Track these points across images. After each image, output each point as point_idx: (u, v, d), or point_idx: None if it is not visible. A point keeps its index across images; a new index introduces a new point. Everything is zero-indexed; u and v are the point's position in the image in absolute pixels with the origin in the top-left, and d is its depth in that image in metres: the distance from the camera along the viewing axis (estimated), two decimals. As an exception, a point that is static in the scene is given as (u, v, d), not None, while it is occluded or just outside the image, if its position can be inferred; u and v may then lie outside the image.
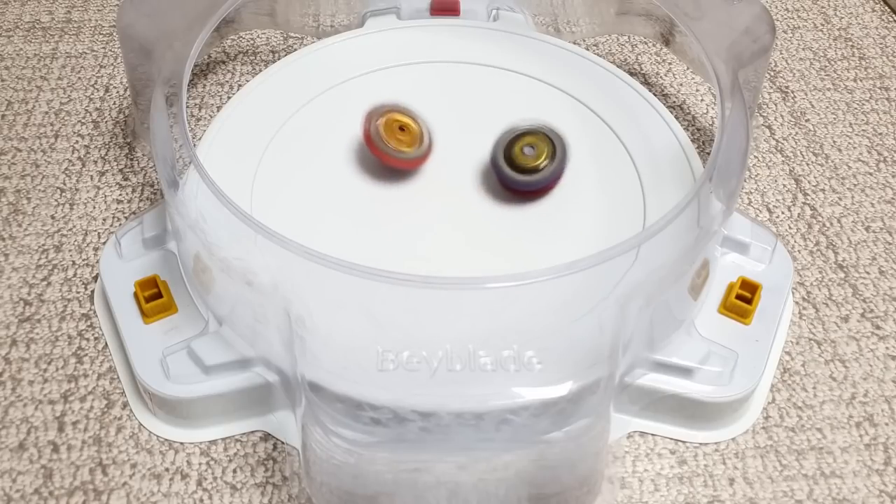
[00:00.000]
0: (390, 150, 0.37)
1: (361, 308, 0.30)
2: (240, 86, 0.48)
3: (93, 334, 0.36)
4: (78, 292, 0.38)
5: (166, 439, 0.33)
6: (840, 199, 0.43)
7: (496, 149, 0.37)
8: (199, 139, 0.41)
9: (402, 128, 0.38)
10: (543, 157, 0.37)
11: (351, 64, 0.44)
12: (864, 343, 0.37)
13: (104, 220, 0.41)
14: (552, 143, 0.37)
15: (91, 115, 0.46)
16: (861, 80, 0.50)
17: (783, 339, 0.37)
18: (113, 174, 0.43)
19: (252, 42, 0.51)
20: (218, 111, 0.43)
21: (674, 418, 0.33)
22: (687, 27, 0.41)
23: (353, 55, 0.45)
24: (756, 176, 0.44)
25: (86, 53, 0.51)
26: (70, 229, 0.41)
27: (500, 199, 0.38)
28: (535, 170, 0.37)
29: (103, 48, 0.51)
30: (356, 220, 0.37)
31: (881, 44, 0.52)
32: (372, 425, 0.28)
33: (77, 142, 0.45)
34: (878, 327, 0.38)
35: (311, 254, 0.30)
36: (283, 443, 0.33)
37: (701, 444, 0.33)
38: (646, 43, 0.52)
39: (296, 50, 0.47)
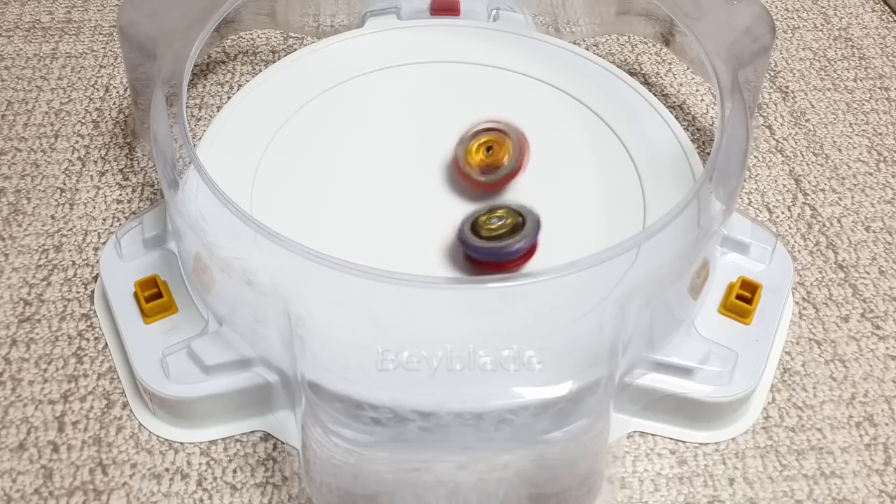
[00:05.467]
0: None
1: (361, 308, 0.30)
2: (240, 86, 0.48)
3: (93, 334, 0.36)
4: (78, 292, 0.38)
5: (166, 439, 0.33)
6: (840, 199, 0.43)
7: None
8: (199, 139, 0.41)
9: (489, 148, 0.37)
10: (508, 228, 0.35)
11: (351, 64, 0.44)
12: (864, 343, 0.37)
13: (104, 220, 0.41)
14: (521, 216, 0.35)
15: (91, 115, 0.46)
16: (861, 80, 0.50)
17: (783, 339, 0.37)
18: (113, 174, 0.43)
19: (252, 42, 0.51)
20: (218, 111, 0.43)
21: (674, 418, 0.33)
22: (687, 27, 0.41)
23: (353, 55, 0.45)
24: (756, 176, 0.44)
25: (86, 53, 0.51)
26: (70, 229, 0.41)
27: (500, 199, 0.38)
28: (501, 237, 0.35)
29: (103, 48, 0.51)
30: (356, 220, 0.37)
31: (881, 44, 0.52)
32: (372, 425, 0.28)
33: (77, 142, 0.45)
34: (878, 327, 0.38)
35: (311, 254, 0.30)
36: (283, 443, 0.33)
37: (701, 444, 0.33)
38: (646, 43, 0.52)
39: (296, 50, 0.47)
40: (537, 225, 0.34)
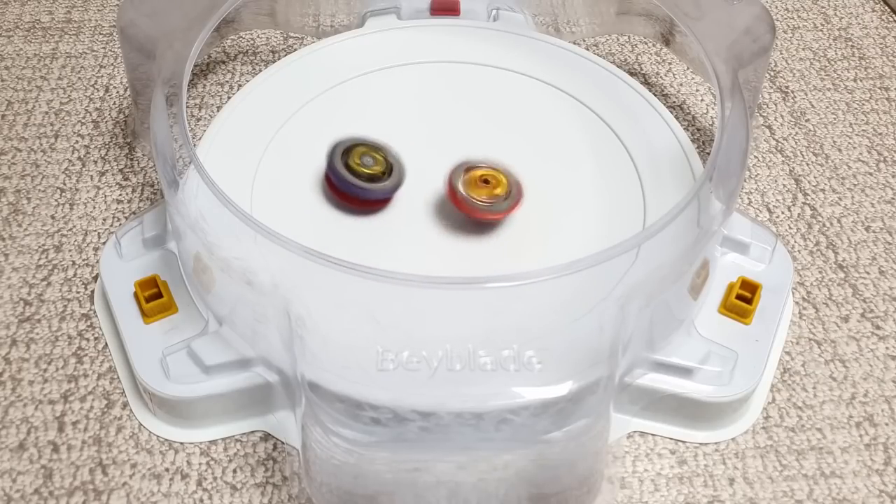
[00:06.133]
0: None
1: (361, 308, 0.30)
2: (240, 86, 0.48)
3: (93, 334, 0.36)
4: (78, 292, 0.38)
5: (166, 439, 0.33)
6: (840, 199, 0.43)
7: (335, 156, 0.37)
8: (199, 139, 0.41)
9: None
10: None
11: (351, 64, 0.44)
12: (864, 343, 0.37)
13: (104, 220, 0.41)
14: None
15: (91, 115, 0.46)
16: (861, 80, 0.50)
17: (783, 339, 0.37)
18: (113, 174, 0.43)
19: (252, 42, 0.51)
20: (218, 111, 0.43)
21: (674, 418, 0.33)
22: (687, 27, 0.41)
23: (353, 55, 0.45)
24: (756, 176, 0.44)
25: (86, 53, 0.51)
26: (70, 229, 0.41)
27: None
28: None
29: (103, 48, 0.51)
30: (356, 219, 0.37)
31: (881, 44, 0.52)
32: (372, 425, 0.28)
33: (77, 142, 0.45)
34: (878, 327, 0.38)
35: (311, 254, 0.30)
36: (283, 443, 0.33)
37: (701, 444, 0.33)
38: (646, 43, 0.52)
39: (296, 50, 0.47)
40: (397, 185, 0.36)
